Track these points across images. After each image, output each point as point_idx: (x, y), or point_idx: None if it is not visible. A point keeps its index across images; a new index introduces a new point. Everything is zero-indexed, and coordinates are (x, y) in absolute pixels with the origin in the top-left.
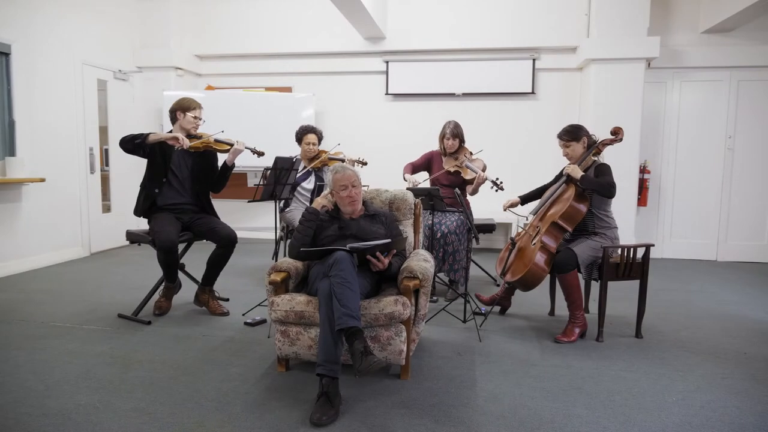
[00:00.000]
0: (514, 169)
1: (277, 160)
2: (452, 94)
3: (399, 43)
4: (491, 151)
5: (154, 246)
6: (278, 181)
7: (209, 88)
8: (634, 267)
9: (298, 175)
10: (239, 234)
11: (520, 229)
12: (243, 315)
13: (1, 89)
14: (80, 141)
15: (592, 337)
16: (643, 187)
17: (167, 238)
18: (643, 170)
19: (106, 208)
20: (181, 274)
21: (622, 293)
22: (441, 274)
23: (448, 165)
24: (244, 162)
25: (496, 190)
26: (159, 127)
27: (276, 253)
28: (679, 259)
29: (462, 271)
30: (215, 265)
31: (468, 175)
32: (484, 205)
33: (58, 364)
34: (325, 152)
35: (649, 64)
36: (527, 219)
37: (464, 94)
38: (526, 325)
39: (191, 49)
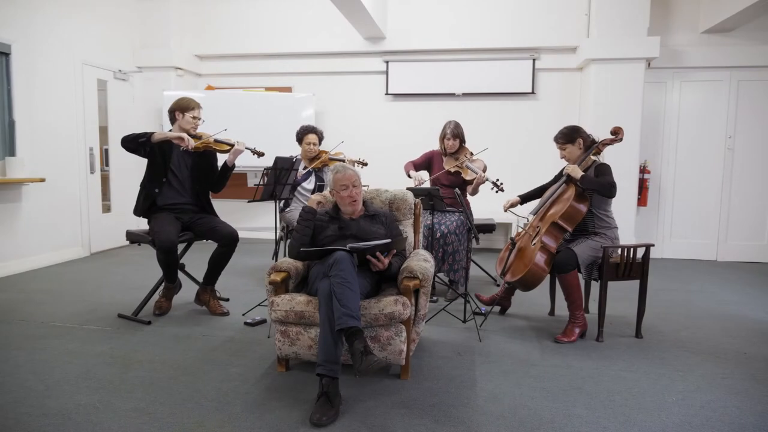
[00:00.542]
0: (514, 169)
1: (277, 160)
2: (452, 94)
3: (399, 43)
4: (491, 151)
5: (153, 246)
6: (278, 181)
7: (209, 88)
8: (634, 267)
9: (299, 175)
10: (239, 234)
11: (520, 229)
12: (243, 315)
13: (1, 89)
14: (80, 141)
15: (592, 337)
16: (643, 187)
17: (167, 238)
18: (643, 170)
19: (106, 208)
20: (181, 274)
21: (622, 293)
22: (441, 274)
23: (449, 165)
24: (244, 162)
25: (497, 192)
26: (159, 127)
27: (276, 253)
28: (679, 259)
29: (462, 271)
30: (217, 264)
31: (468, 176)
32: (484, 205)
33: (58, 364)
34: (326, 152)
35: (649, 64)
36: (527, 219)
37: (464, 94)
38: (526, 325)
39: (191, 49)
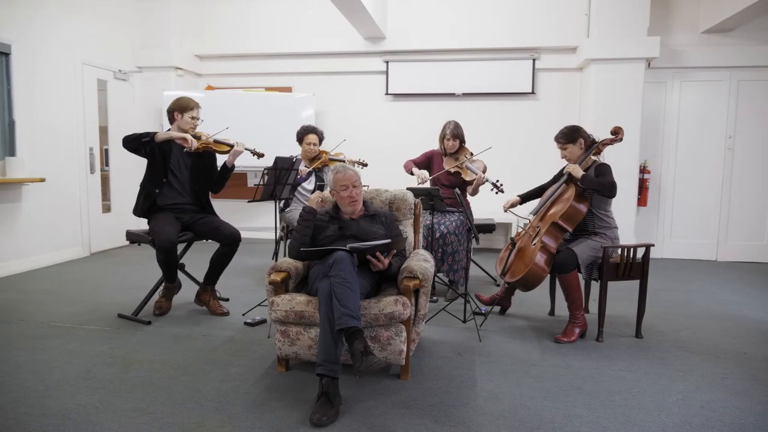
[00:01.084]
0: (514, 169)
1: (277, 160)
2: (452, 94)
3: (399, 43)
4: (491, 151)
5: (153, 246)
6: (278, 181)
7: (209, 88)
8: (634, 267)
9: (299, 175)
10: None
11: (520, 229)
12: (243, 315)
13: (1, 89)
14: (80, 141)
15: (592, 337)
16: (643, 187)
17: (167, 239)
18: (643, 170)
19: (106, 208)
20: (181, 274)
21: (622, 293)
22: (441, 274)
23: (449, 165)
24: (244, 162)
25: (496, 193)
26: (159, 127)
27: (276, 253)
28: (679, 259)
29: (462, 272)
30: (218, 264)
31: (468, 176)
32: (484, 206)
33: (58, 364)
34: (326, 153)
35: (649, 64)
36: (527, 219)
37: (464, 94)
38: (526, 325)
39: (191, 49)
